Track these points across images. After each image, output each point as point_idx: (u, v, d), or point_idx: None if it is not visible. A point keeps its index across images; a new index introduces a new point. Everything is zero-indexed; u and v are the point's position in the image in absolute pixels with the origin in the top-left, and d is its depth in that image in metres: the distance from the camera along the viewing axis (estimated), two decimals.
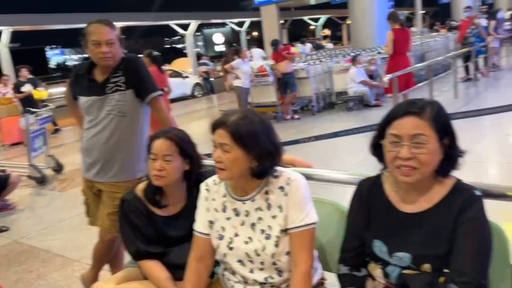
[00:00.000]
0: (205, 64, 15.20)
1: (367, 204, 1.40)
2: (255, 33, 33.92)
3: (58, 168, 5.99)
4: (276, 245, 1.44)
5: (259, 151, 1.41)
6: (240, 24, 27.19)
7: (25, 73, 8.88)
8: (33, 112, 5.91)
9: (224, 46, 37.13)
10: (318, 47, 17.29)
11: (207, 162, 2.03)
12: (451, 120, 1.29)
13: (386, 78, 5.79)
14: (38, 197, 5.20)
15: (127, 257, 2.58)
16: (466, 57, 9.44)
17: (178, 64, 18.56)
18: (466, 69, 9.57)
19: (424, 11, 27.78)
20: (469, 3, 15.52)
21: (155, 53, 5.94)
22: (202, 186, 1.62)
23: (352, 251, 1.43)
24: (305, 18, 31.46)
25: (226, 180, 1.51)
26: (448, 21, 16.60)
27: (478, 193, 1.26)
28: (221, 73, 10.31)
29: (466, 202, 1.24)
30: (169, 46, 43.98)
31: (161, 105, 2.37)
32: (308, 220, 1.44)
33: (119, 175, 2.33)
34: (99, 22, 2.19)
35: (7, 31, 16.03)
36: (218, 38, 37.39)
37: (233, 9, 26.84)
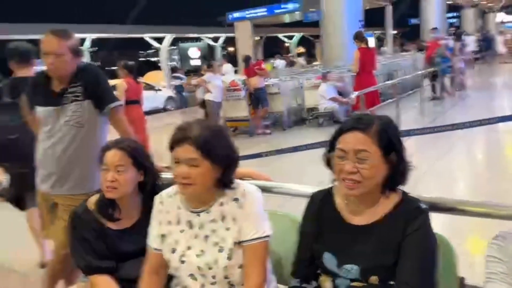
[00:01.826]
0: (179, 78, 15.16)
1: (319, 216, 1.41)
2: (231, 48, 34.17)
3: None
4: (229, 258, 1.43)
5: (224, 160, 1.42)
6: (216, 39, 27.36)
7: None
8: None
9: (199, 60, 37.20)
10: (291, 64, 17.55)
11: (167, 174, 2.00)
12: (400, 136, 1.32)
13: (353, 95, 5.93)
14: None
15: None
16: (433, 77, 9.77)
17: (150, 77, 18.42)
18: (433, 88, 9.91)
19: (395, 32, 28.70)
20: (437, 25, 16.12)
21: (131, 63, 5.88)
22: (156, 199, 1.60)
23: (303, 263, 1.43)
24: (280, 35, 31.95)
25: (191, 195, 1.47)
26: (419, 41, 17.19)
27: (423, 206, 1.28)
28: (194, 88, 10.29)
29: (412, 214, 1.26)
30: (143, 59, 43.69)
31: (120, 116, 2.33)
32: (262, 233, 1.43)
33: (76, 188, 2.26)
34: (50, 33, 2.13)
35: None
36: (194, 52, 37.42)
37: (208, 24, 27.00)
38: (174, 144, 1.41)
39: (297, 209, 1.70)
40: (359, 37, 6.60)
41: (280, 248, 1.67)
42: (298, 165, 5.53)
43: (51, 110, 2.20)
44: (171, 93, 15.26)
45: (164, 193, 1.60)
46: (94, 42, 21.13)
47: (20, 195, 3.23)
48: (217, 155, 1.40)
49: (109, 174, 1.68)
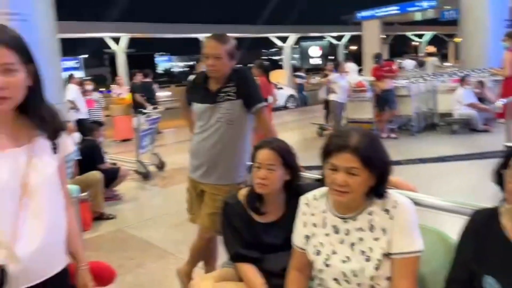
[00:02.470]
0: (300, 76, 15.34)
1: (481, 237, 1.32)
2: (352, 47, 33.39)
3: (161, 166, 6.48)
4: (376, 268, 1.41)
5: (381, 170, 1.42)
6: (339, 38, 26.99)
7: (139, 77, 9.77)
8: (144, 113, 6.49)
9: (320, 59, 37.08)
10: (420, 64, 16.48)
11: (306, 174, 2.07)
12: None
13: (500, 102, 5.33)
14: (142, 191, 5.67)
15: (221, 257, 2.72)
16: None
17: (273, 76, 18.95)
18: None
19: None
20: None
21: (266, 63, 6.16)
22: (302, 200, 1.65)
23: (459, 283, 1.35)
24: (409, 34, 30.22)
25: (345, 202, 1.47)
26: None
27: None
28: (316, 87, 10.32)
29: None
30: (266, 57, 45.17)
31: (265, 115, 2.47)
32: (414, 247, 1.39)
33: (221, 179, 2.47)
34: (211, 37, 2.37)
35: (125, 37, 17.81)
36: (315, 51, 37.40)
37: (332, 22, 26.73)
38: (333, 151, 1.41)
39: (439, 225, 1.62)
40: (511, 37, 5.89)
41: (426, 265, 1.60)
42: (433, 175, 5.21)
43: (207, 107, 2.43)
44: (292, 91, 15.51)
45: (310, 194, 1.64)
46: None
47: None
48: (375, 164, 1.40)
49: (260, 172, 1.79)
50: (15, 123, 1.22)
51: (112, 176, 4.96)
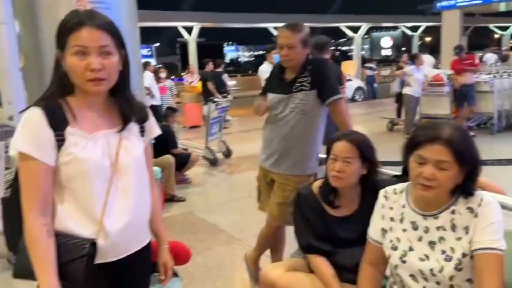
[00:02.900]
0: (370, 68, 14.84)
1: None
2: (428, 39, 31.62)
3: (228, 153, 6.64)
4: (457, 269, 1.36)
5: (471, 167, 1.35)
6: (414, 29, 25.67)
7: (210, 66, 10.02)
8: (214, 101, 6.66)
9: (391, 50, 35.59)
10: (503, 59, 15.23)
11: (384, 170, 2.01)
12: None
13: None
14: (209, 177, 5.84)
15: (288, 248, 2.74)
16: None
17: (344, 67, 18.53)
18: None
19: None
20: None
21: (337, 54, 6.04)
22: (381, 193, 1.61)
23: None
24: (491, 25, 28.01)
25: (429, 197, 1.41)
26: None
27: None
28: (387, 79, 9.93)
29: None
30: (333, 48, 44.29)
31: (341, 108, 2.42)
32: (498, 245, 1.31)
33: (292, 169, 2.47)
34: (285, 27, 2.36)
35: (197, 27, 18.29)
36: (386, 42, 35.96)
37: (407, 12, 25.45)
38: (422, 142, 1.35)
39: None
40: None
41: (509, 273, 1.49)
42: (509, 178, 4.83)
43: (281, 97, 2.44)
44: (360, 83, 15.07)
45: (390, 188, 1.59)
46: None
47: None
48: (467, 159, 1.33)
49: (336, 164, 1.77)
50: (106, 106, 1.30)
51: (183, 161, 5.17)
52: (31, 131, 1.17)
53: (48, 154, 1.17)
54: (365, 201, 1.83)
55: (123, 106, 1.30)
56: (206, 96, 9.02)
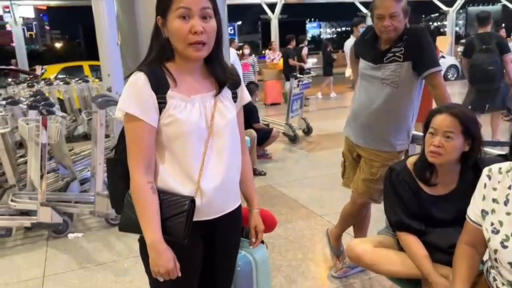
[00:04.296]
0: None
1: None
2: None
3: (308, 131, 6.58)
4: None
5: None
6: None
7: (293, 43, 9.92)
8: (297, 78, 6.60)
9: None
10: None
11: (487, 149, 1.84)
12: None
13: None
14: (289, 153, 5.85)
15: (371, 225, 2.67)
16: None
17: (438, 42, 17.26)
18: None
19: None
20: None
21: (432, 27, 5.65)
22: (485, 171, 1.48)
23: None
24: None
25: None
26: None
27: None
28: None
29: None
30: (425, 23, 41.39)
31: (439, 81, 2.24)
32: None
33: (380, 144, 2.36)
34: None
35: (280, 3, 18.08)
36: None
37: None
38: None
39: None
40: None
41: None
42: None
43: (372, 66, 2.32)
44: (454, 61, 13.96)
45: (495, 166, 1.46)
46: None
47: None
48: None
49: (435, 139, 1.65)
50: (202, 72, 1.34)
51: (264, 136, 5.23)
52: (137, 93, 1.23)
53: (152, 115, 1.23)
54: (464, 180, 1.71)
55: (218, 71, 1.33)
56: (287, 73, 8.99)
